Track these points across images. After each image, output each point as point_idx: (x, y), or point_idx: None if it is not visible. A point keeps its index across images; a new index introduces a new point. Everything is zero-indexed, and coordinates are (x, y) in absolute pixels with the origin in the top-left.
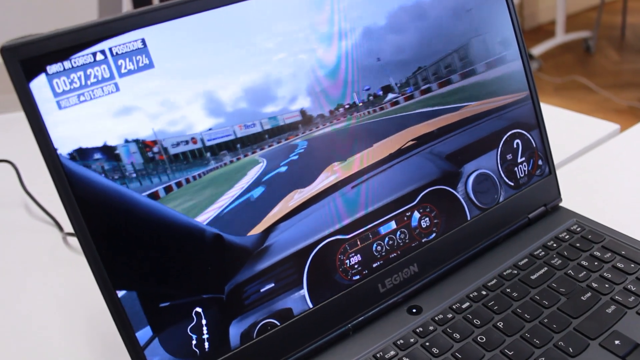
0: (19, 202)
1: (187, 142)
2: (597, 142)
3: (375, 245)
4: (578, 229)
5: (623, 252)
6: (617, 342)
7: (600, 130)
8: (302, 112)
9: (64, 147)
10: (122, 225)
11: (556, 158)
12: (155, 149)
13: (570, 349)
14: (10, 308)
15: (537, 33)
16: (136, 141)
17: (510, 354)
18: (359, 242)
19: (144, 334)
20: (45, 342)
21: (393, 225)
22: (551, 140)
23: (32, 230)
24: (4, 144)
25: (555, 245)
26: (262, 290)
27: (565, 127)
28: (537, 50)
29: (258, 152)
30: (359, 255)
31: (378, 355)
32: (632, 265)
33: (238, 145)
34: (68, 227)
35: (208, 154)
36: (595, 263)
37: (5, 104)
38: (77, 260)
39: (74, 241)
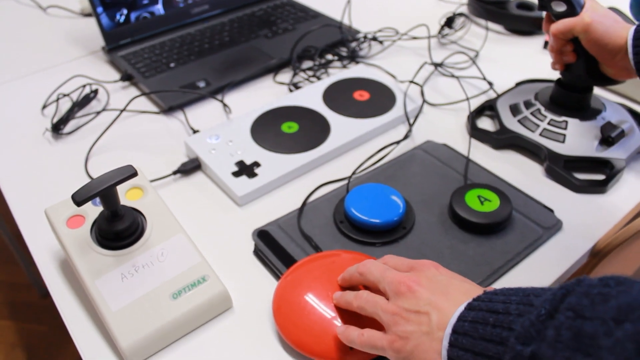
0: None
1: None
2: None
3: None
4: (287, 1)
5: (300, 8)
6: (269, 34)
7: None
8: None
9: None
10: None
11: None
12: None
13: (252, 35)
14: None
15: None
16: None
17: (234, 29)
18: None
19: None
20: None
21: None
22: None
23: (19, 10)
24: None
25: (272, 5)
26: (143, 2)
27: None
28: None
29: None
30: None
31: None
32: (302, 13)
33: None
34: (46, 4)
35: None
36: (285, 12)
37: None
38: (54, 21)
39: (52, 11)
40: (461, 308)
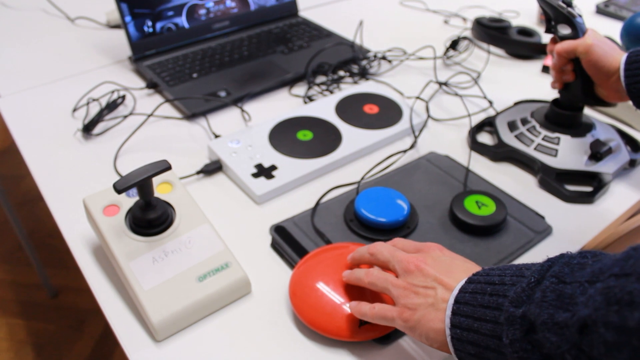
0: (39, 7)
1: None
2: None
3: (211, 7)
4: (302, 20)
5: (314, 27)
6: (285, 50)
7: None
8: None
9: None
10: None
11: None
12: None
13: (269, 50)
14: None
15: None
16: None
17: (252, 44)
18: (203, 5)
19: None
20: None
21: (212, 3)
22: None
23: (48, 21)
24: None
25: (288, 23)
26: (168, 14)
27: None
28: None
29: None
30: (204, 11)
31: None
32: (316, 32)
33: None
34: (74, 15)
35: None
36: (300, 30)
37: None
38: (82, 31)
39: (79, 22)
40: (462, 282)
